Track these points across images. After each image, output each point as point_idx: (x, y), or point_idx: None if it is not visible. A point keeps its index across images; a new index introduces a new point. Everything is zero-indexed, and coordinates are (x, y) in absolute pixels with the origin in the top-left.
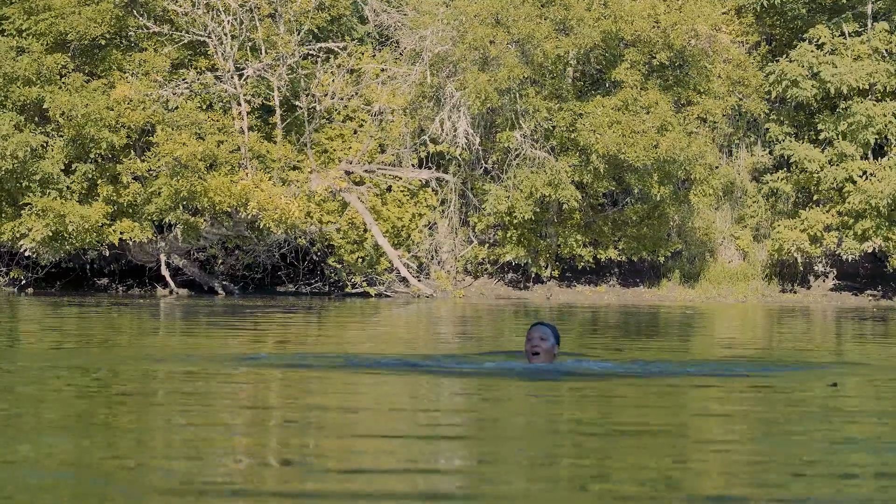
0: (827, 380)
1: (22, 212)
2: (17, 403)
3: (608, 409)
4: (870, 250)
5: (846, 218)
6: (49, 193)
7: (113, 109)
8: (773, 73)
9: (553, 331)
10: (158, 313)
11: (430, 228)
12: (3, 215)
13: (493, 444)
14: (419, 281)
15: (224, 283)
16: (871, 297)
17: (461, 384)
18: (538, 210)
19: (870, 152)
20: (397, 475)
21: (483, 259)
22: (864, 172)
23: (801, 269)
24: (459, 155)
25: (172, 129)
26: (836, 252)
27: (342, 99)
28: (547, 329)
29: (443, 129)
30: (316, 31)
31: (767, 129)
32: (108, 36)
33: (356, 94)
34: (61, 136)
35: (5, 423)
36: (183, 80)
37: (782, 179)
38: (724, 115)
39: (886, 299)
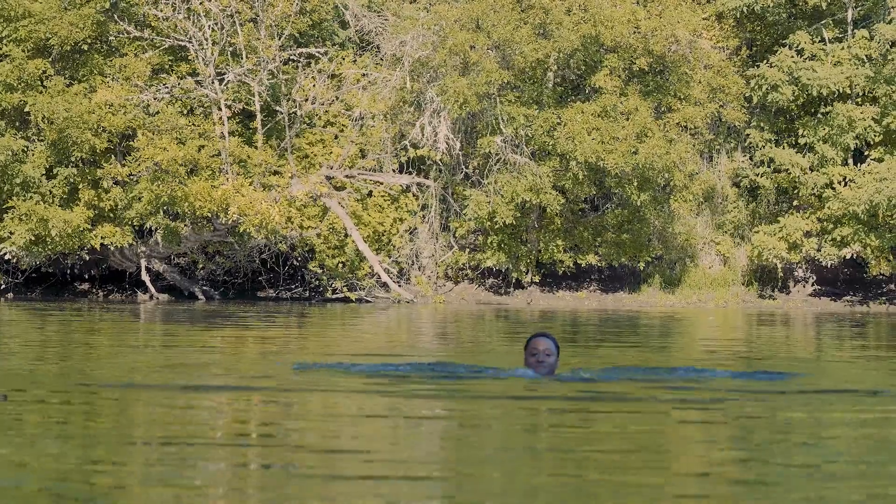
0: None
1: (4, 216)
2: None
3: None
4: (848, 256)
5: (825, 224)
6: (31, 197)
7: (94, 113)
8: (753, 78)
9: (556, 343)
10: (139, 319)
11: (410, 233)
12: None
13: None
14: (400, 286)
15: (204, 288)
16: (848, 303)
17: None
18: (519, 215)
19: (850, 158)
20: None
21: (464, 264)
22: (844, 178)
23: (781, 274)
24: (440, 160)
25: (153, 134)
26: (816, 258)
27: (323, 104)
28: (551, 342)
29: (423, 135)
30: (297, 36)
31: (748, 135)
32: (89, 41)
33: (337, 99)
34: (42, 140)
35: None
36: (164, 84)
37: (762, 175)
38: (704, 122)
39: (865, 305)
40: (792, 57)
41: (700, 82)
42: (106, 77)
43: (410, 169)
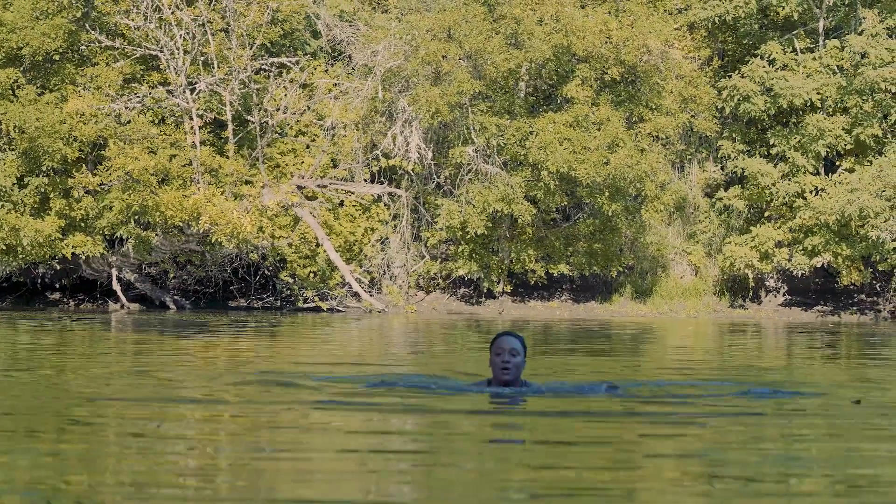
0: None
1: None
2: None
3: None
4: (819, 266)
5: (796, 234)
6: (2, 206)
7: (66, 123)
8: (725, 89)
9: (522, 342)
10: (110, 328)
11: (382, 243)
12: None
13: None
14: (371, 296)
15: (175, 297)
16: (820, 313)
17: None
18: (490, 225)
19: (821, 167)
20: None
21: (435, 274)
22: (816, 188)
23: (753, 284)
24: (412, 170)
25: (124, 144)
26: (787, 268)
27: (294, 113)
28: (517, 341)
29: (395, 144)
30: (268, 45)
31: (720, 146)
32: (61, 50)
33: (308, 108)
34: (13, 149)
35: None
36: (135, 94)
37: (735, 196)
38: (675, 132)
39: (836, 315)
40: (764, 67)
41: (672, 92)
42: (77, 86)
43: (382, 179)
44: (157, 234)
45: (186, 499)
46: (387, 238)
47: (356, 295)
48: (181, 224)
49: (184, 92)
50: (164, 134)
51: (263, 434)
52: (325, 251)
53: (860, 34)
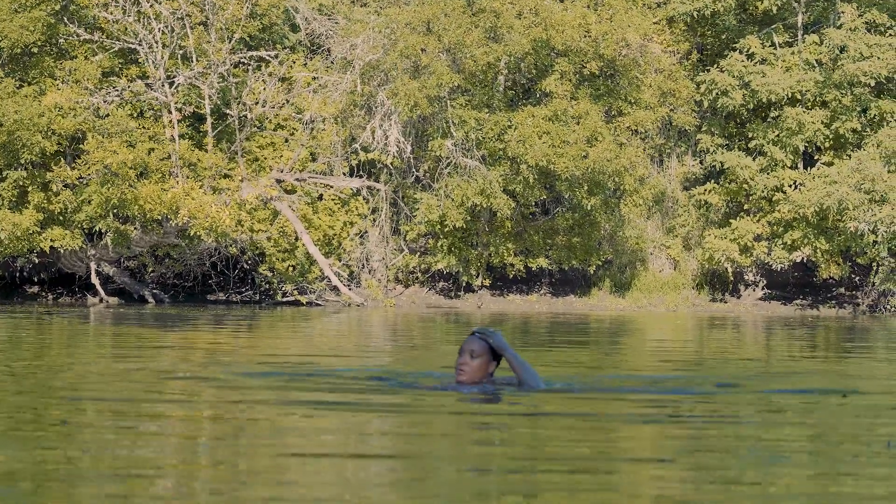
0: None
1: None
2: None
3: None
4: (798, 260)
5: (776, 227)
6: None
7: (44, 116)
8: (703, 83)
9: (490, 345)
10: (89, 322)
11: (361, 237)
12: None
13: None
14: (350, 289)
15: (154, 291)
16: (798, 307)
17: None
18: (469, 219)
19: (800, 162)
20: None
21: (414, 268)
22: (795, 182)
23: (732, 278)
24: (391, 163)
25: (103, 137)
26: (766, 261)
27: (273, 107)
28: (480, 344)
29: (374, 138)
30: (247, 39)
31: (699, 140)
32: (39, 43)
33: (287, 102)
34: None
35: None
36: (114, 87)
37: (710, 191)
38: (654, 126)
39: (814, 309)
40: (742, 61)
41: (650, 86)
42: (56, 80)
43: (361, 172)
44: (135, 228)
45: (166, 497)
46: (366, 232)
47: (335, 289)
48: (160, 218)
49: (162, 85)
50: (143, 127)
51: (240, 433)
52: (303, 245)
53: (839, 28)
